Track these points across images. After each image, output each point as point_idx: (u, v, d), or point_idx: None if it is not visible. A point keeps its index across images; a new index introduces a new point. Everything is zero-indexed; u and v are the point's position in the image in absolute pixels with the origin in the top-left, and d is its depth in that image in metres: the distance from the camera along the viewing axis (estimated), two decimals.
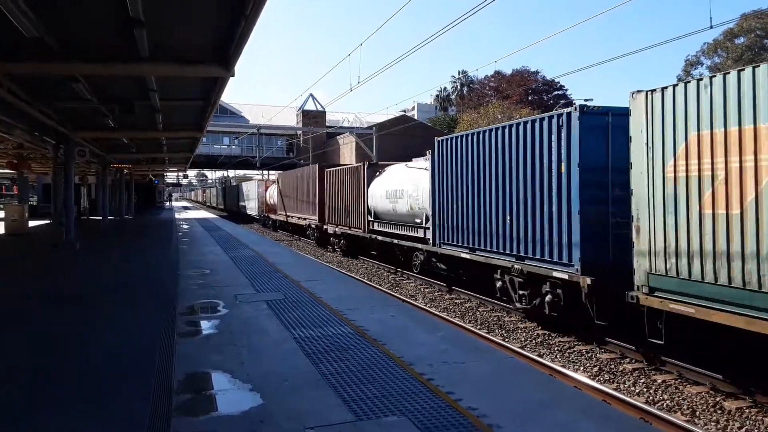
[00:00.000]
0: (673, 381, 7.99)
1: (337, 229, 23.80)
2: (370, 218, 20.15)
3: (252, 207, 47.50)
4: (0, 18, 6.96)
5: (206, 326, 7.71)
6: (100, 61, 9.79)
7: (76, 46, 9.20)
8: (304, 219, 29.30)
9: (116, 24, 7.99)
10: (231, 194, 64.40)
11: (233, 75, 10.08)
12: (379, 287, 15.62)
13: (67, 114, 15.65)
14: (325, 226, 25.57)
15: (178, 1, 7.60)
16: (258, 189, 44.74)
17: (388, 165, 20.64)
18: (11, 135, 17.44)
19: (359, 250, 22.66)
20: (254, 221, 46.58)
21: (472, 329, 10.98)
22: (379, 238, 19.24)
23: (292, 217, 32.63)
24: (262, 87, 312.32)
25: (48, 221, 28.44)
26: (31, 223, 25.36)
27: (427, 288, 15.74)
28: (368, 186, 20.23)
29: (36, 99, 13.07)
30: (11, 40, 8.24)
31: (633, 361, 8.89)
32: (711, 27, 11.67)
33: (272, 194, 39.51)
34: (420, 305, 13.27)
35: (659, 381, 8.01)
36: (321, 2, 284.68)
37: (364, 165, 21.10)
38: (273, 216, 39.25)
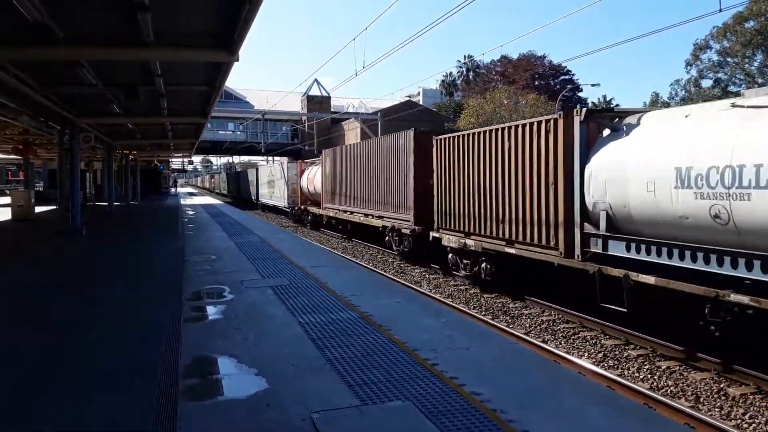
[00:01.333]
0: (678, 367, 8.00)
1: (469, 242, 13.35)
2: (591, 230, 9.64)
3: (278, 196, 37.48)
4: (3, 3, 6.93)
5: (212, 312, 7.75)
6: (105, 46, 9.77)
7: (80, 31, 9.17)
8: (382, 218, 19.00)
9: (120, 8, 7.94)
10: (244, 180, 55.64)
11: (237, 60, 10.02)
12: (384, 273, 15.65)
13: (72, 99, 15.65)
14: (435, 234, 15.18)
15: None
16: (288, 173, 34.15)
17: (639, 112, 9.48)
18: (17, 121, 17.47)
19: (528, 286, 12.28)
20: (281, 214, 37.76)
21: (477, 315, 11.01)
22: (646, 280, 8.38)
23: (353, 213, 22.16)
24: (267, 73, 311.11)
25: (54, 207, 28.57)
26: (38, 209, 25.45)
27: (432, 274, 15.76)
28: (587, 157, 9.69)
29: (41, 84, 13.05)
30: (15, 25, 8.21)
31: (638, 347, 8.90)
32: (720, 10, 11.52)
33: (313, 180, 29.03)
34: (425, 291, 13.31)
35: (663, 367, 8.02)
36: None
37: (573, 113, 10.15)
38: (315, 209, 28.74)
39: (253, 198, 48.57)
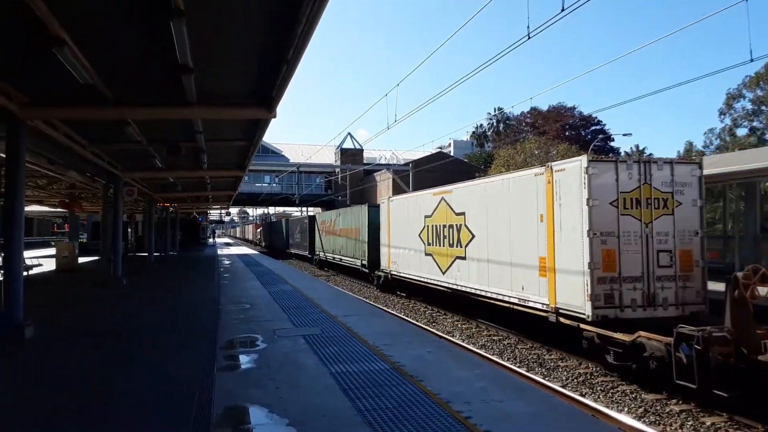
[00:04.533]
0: (723, 423, 7.64)
1: None
2: None
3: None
4: (56, 65, 7.44)
5: (245, 360, 7.83)
6: (151, 106, 10.31)
7: (127, 92, 9.72)
8: None
9: (165, 71, 8.43)
10: (358, 227, 27.43)
11: (275, 116, 10.43)
12: (416, 323, 15.52)
13: (118, 155, 16.40)
14: None
15: (224, 48, 8.00)
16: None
17: None
18: (65, 176, 18.34)
19: None
20: None
21: (512, 366, 10.78)
22: None
23: None
24: (303, 127, 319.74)
25: (97, 257, 29.46)
26: (81, 260, 26.31)
27: (464, 324, 15.55)
28: None
29: (89, 142, 13.76)
30: (67, 86, 8.76)
31: (680, 402, 8.55)
32: (752, 60, 11.50)
33: None
34: (457, 341, 13.12)
35: (708, 423, 7.67)
36: (359, 45, 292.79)
37: None
38: None
39: (390, 269, 21.81)
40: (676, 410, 8.21)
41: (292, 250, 48.17)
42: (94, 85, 8.63)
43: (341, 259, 30.66)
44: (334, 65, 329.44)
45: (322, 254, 36.16)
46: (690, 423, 7.74)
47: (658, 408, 8.39)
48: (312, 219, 41.63)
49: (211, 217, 79.13)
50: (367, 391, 6.24)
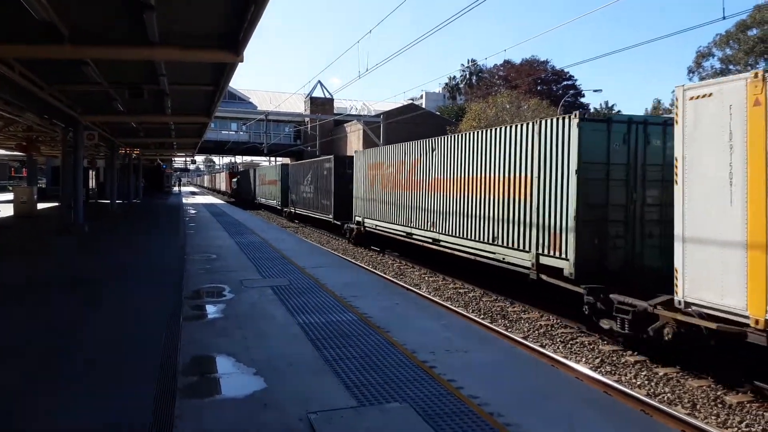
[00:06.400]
0: (675, 374, 8.02)
1: None
2: None
3: None
4: (11, 1, 6.98)
5: (212, 311, 7.79)
6: (110, 45, 9.81)
7: (86, 30, 9.21)
8: None
9: (126, 8, 8.00)
10: None
11: (242, 60, 10.06)
12: (384, 275, 15.67)
13: (77, 97, 15.69)
14: None
15: None
16: None
17: None
18: (21, 117, 17.52)
19: None
20: None
21: (476, 318, 11.04)
22: None
23: None
24: (271, 74, 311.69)
25: (57, 204, 28.62)
26: (40, 206, 25.52)
27: (431, 277, 15.78)
28: None
29: (47, 82, 13.10)
30: (22, 23, 8.27)
31: (635, 353, 8.91)
32: (723, 18, 11.57)
33: None
34: (424, 294, 13.33)
35: (661, 374, 8.05)
36: None
37: None
38: None
39: None
40: (631, 361, 8.58)
41: (297, 209, 33.46)
42: (50, 22, 8.14)
43: (438, 240, 15.51)
44: (306, 9, 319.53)
45: (369, 222, 21.19)
46: (644, 373, 8.11)
47: (614, 359, 8.75)
48: (341, 162, 25.84)
49: (176, 165, 77.39)
50: (334, 341, 6.29)
